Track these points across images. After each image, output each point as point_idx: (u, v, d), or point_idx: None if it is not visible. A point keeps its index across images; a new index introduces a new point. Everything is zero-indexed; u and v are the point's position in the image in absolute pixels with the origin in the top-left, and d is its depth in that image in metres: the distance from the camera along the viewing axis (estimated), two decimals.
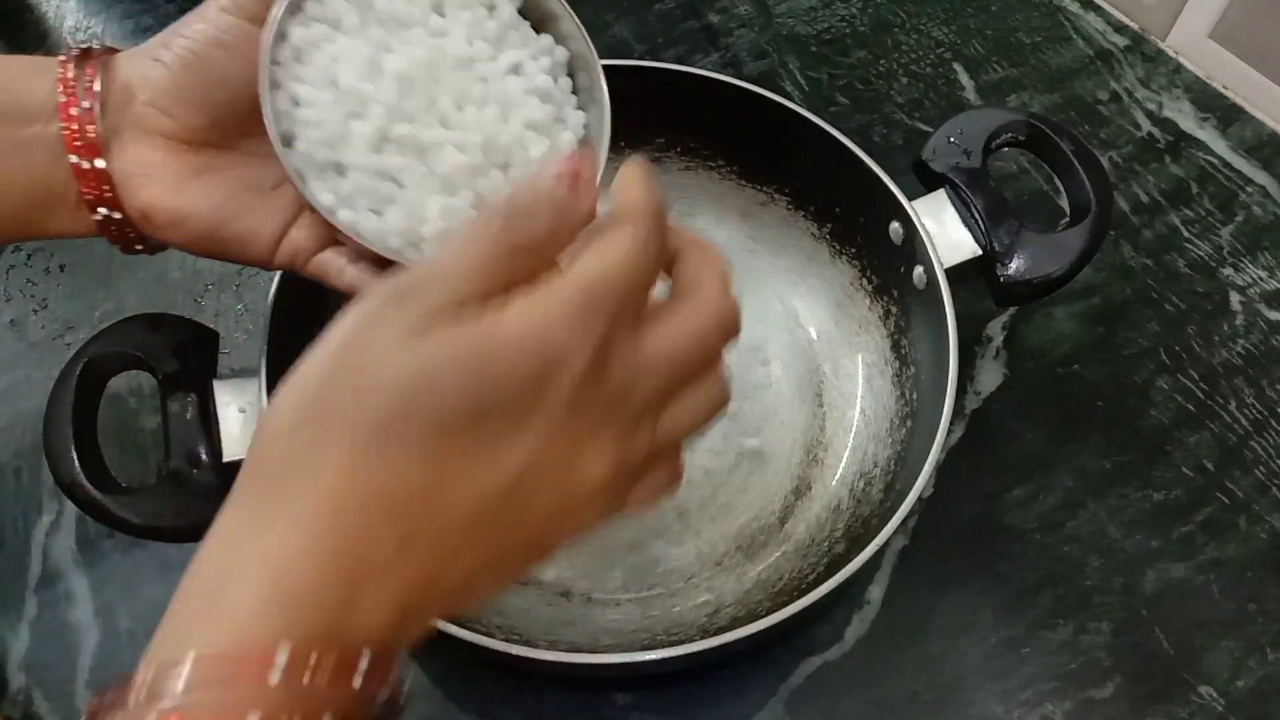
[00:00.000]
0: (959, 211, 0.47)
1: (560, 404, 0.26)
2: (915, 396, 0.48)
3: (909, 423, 0.48)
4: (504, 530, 0.27)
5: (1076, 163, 0.48)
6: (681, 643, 0.39)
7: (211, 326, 0.48)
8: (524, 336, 0.25)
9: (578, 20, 0.36)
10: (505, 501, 0.26)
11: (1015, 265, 0.47)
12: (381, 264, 0.34)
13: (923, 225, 0.47)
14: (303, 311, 0.49)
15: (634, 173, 0.31)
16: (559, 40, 0.37)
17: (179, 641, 0.24)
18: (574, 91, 0.38)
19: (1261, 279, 0.56)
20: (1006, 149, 0.50)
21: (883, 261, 0.51)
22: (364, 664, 0.24)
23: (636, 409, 0.28)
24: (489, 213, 0.27)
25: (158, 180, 0.35)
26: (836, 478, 0.50)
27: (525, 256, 0.27)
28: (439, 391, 0.25)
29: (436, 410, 0.25)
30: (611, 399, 0.27)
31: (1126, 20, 0.65)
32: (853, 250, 0.53)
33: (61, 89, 0.34)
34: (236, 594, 0.24)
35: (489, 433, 0.25)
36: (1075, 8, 0.66)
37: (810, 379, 0.53)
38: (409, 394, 0.25)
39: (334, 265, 0.36)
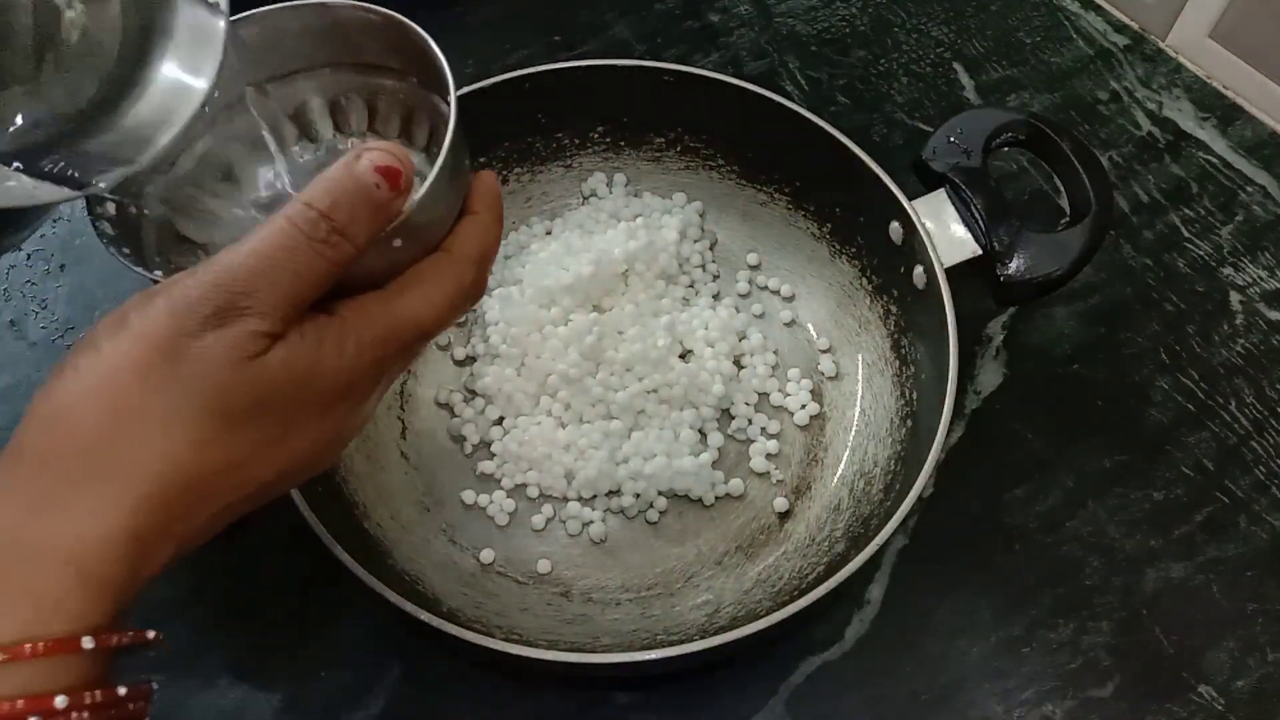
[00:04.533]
0: (959, 211, 0.47)
1: (342, 415, 0.31)
2: (915, 396, 0.48)
3: (909, 423, 0.48)
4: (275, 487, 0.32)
5: (1076, 162, 0.48)
6: (681, 643, 0.39)
7: None
8: (339, 370, 0.30)
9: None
10: (276, 480, 0.31)
11: (1015, 265, 0.46)
12: None
13: (923, 225, 0.47)
14: None
15: (486, 205, 0.34)
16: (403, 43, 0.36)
17: None
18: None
19: (1261, 279, 0.56)
20: (1006, 148, 0.50)
21: (883, 261, 0.51)
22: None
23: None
24: (310, 218, 0.28)
25: None
26: (836, 478, 0.50)
27: (344, 265, 0.29)
28: (264, 408, 0.29)
29: (256, 420, 0.29)
30: (379, 385, 0.33)
31: (1126, 20, 0.65)
32: (853, 250, 0.53)
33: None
34: (40, 576, 0.26)
35: (284, 442, 0.30)
36: (1075, 7, 0.66)
37: (810, 379, 0.53)
38: (240, 407, 0.28)
39: None
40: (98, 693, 0.26)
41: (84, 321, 0.55)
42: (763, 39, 0.65)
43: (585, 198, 0.57)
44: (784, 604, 0.40)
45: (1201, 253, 0.57)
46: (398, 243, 0.31)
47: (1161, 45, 0.64)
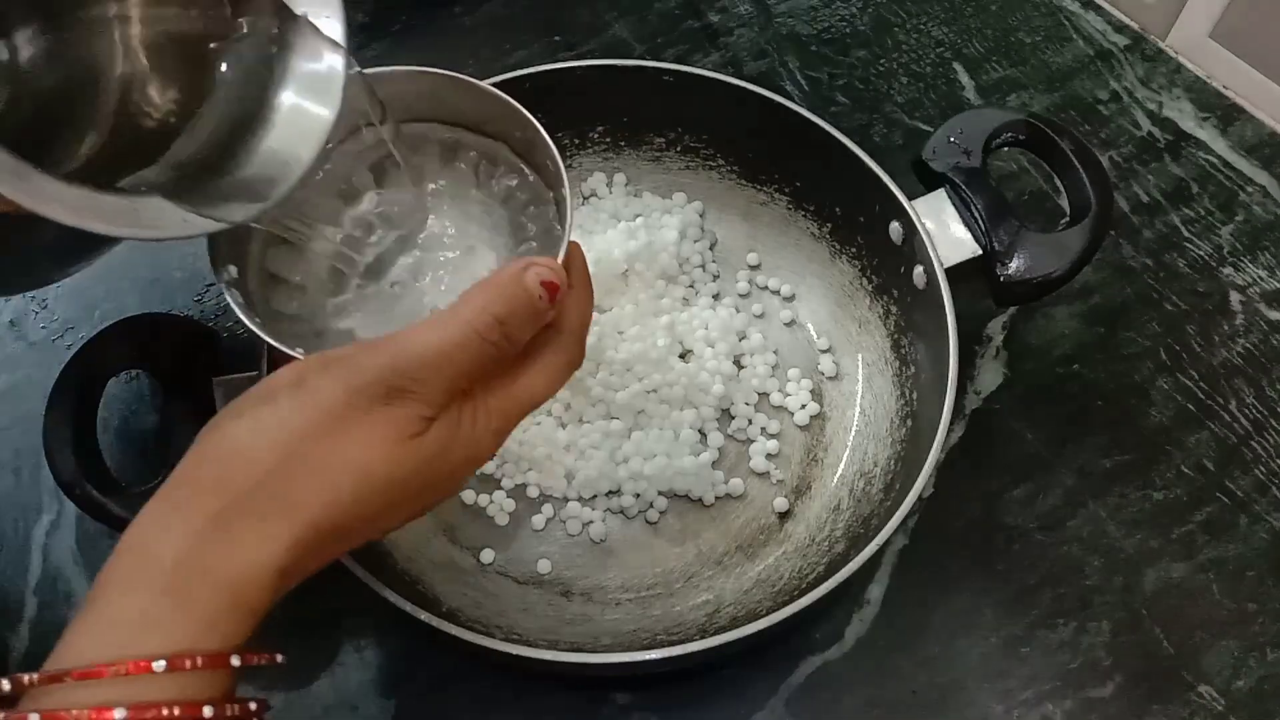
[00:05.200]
0: (959, 211, 0.47)
1: (467, 469, 0.35)
2: (915, 396, 0.48)
3: (909, 422, 0.48)
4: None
5: (1076, 162, 0.48)
6: (681, 642, 0.39)
7: (211, 326, 0.48)
8: (471, 442, 0.33)
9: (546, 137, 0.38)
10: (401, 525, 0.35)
11: (1015, 265, 0.46)
12: None
13: (923, 225, 0.47)
14: None
15: (580, 280, 0.37)
16: (530, 149, 0.39)
17: (147, 637, 0.28)
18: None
19: (1261, 278, 0.56)
20: (1006, 148, 0.50)
21: (883, 261, 0.51)
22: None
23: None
24: (487, 321, 0.32)
25: None
26: (836, 478, 0.50)
27: (501, 361, 0.33)
28: (413, 479, 0.32)
29: (404, 487, 0.32)
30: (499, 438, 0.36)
31: (1126, 20, 0.65)
32: (853, 250, 0.53)
33: None
34: (203, 598, 0.29)
35: (419, 499, 0.34)
36: (1075, 7, 0.66)
37: (810, 379, 0.53)
38: (397, 478, 0.32)
39: None
40: (235, 705, 0.29)
41: (84, 321, 0.55)
42: (763, 39, 0.65)
43: (585, 198, 0.56)
44: (784, 604, 0.40)
45: (1201, 253, 0.57)
46: None
47: (1161, 45, 0.64)
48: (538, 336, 0.35)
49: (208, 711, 0.28)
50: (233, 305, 0.35)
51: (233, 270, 0.36)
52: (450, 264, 0.39)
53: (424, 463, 0.32)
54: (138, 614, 0.28)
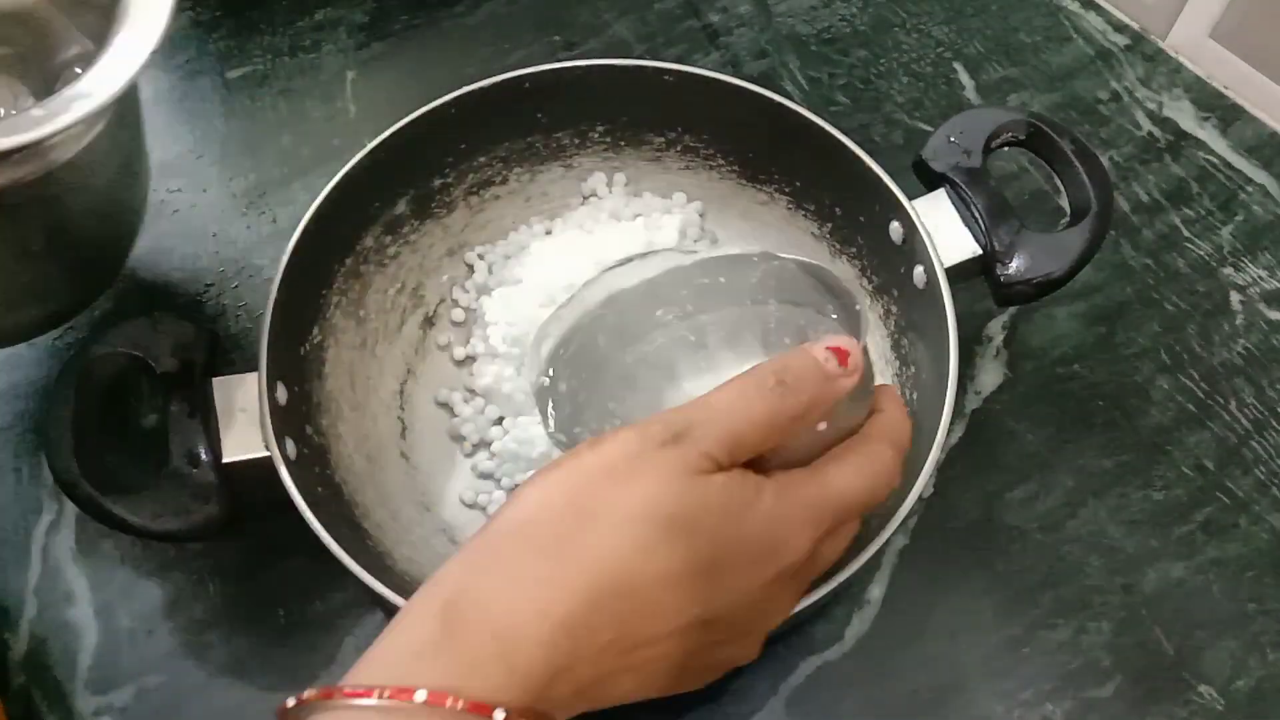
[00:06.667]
0: (959, 211, 0.47)
1: (769, 579, 0.32)
2: (915, 396, 0.48)
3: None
4: (680, 666, 0.32)
5: (1077, 162, 0.48)
6: None
7: (211, 327, 0.48)
8: (771, 519, 0.32)
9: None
10: (691, 641, 0.31)
11: (1015, 265, 0.46)
12: None
13: (923, 225, 0.47)
14: (302, 312, 0.49)
15: (892, 403, 0.37)
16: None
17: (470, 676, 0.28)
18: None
19: (1261, 278, 0.56)
20: (1007, 148, 0.50)
21: (883, 261, 0.51)
22: None
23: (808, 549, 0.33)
24: (763, 372, 0.33)
25: None
26: None
27: (787, 423, 0.32)
28: (700, 527, 0.31)
29: (692, 537, 0.30)
30: (806, 573, 0.35)
31: (1127, 20, 0.65)
32: (853, 250, 0.53)
33: None
34: (470, 634, 0.28)
35: (711, 578, 0.31)
36: (1075, 7, 0.66)
37: None
38: (681, 518, 0.30)
39: None
40: None
41: (84, 321, 0.55)
42: (763, 39, 0.65)
43: (585, 198, 0.56)
44: None
45: (1202, 253, 0.57)
46: (822, 426, 0.34)
47: (1161, 45, 0.64)
48: (847, 441, 0.35)
49: None
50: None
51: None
52: None
53: (711, 509, 0.31)
54: (417, 641, 0.29)
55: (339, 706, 0.27)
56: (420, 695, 0.27)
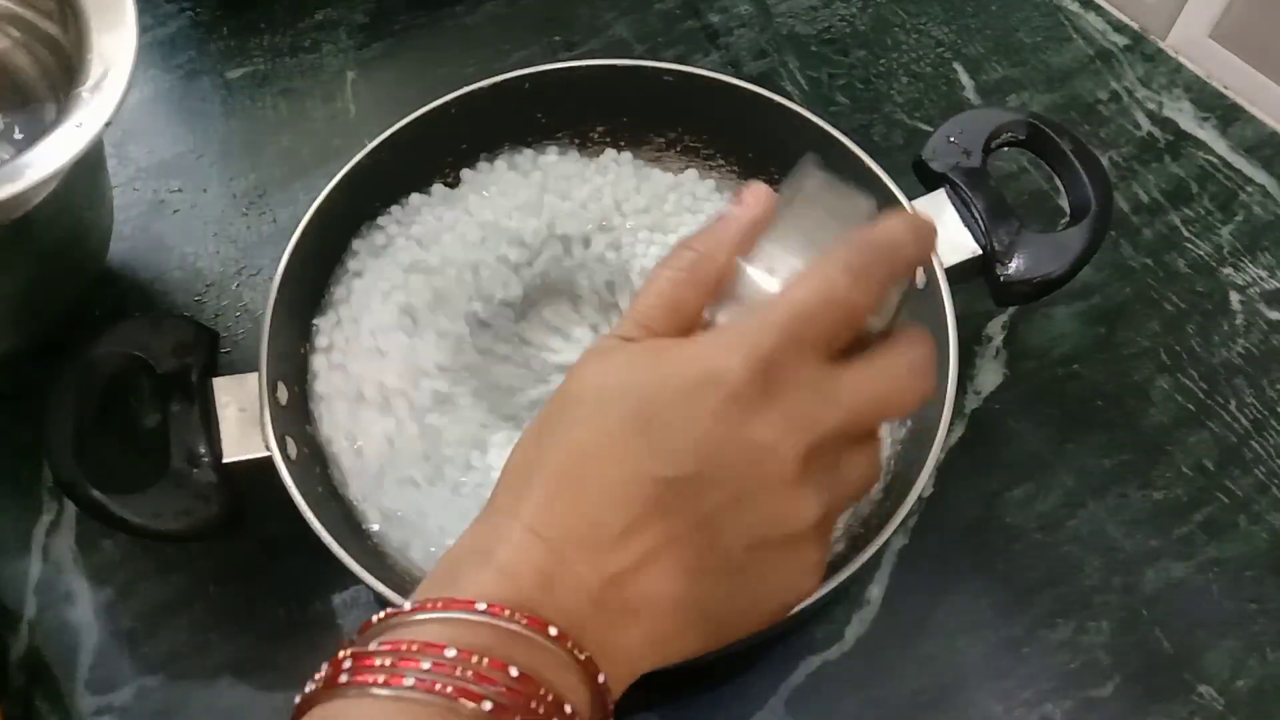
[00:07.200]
0: (959, 211, 0.47)
1: (722, 408, 0.28)
2: None
3: (909, 422, 0.48)
4: (708, 563, 0.29)
5: (1076, 162, 0.48)
6: None
7: (211, 326, 0.48)
8: (689, 352, 0.30)
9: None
10: (686, 517, 0.29)
11: (1015, 265, 0.46)
12: None
13: None
14: (302, 311, 0.49)
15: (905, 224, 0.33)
16: None
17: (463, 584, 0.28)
18: None
19: (1261, 278, 0.56)
20: (1006, 148, 0.50)
21: None
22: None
23: (825, 436, 0.29)
24: (676, 248, 0.32)
25: None
26: None
27: (688, 281, 0.32)
28: (615, 390, 0.29)
29: (617, 403, 0.29)
30: (793, 413, 0.29)
31: (1126, 20, 0.65)
32: None
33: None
34: (502, 549, 0.28)
35: (650, 432, 0.29)
36: (1075, 7, 0.66)
37: None
38: (599, 392, 0.30)
39: None
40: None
41: (83, 321, 0.55)
42: (763, 39, 0.65)
43: None
44: None
45: (1201, 253, 0.57)
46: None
47: (1161, 45, 0.64)
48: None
49: (513, 672, 0.25)
50: None
51: None
52: None
53: (618, 366, 0.30)
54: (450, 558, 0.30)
55: (410, 622, 0.27)
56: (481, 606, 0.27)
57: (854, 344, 0.31)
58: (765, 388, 0.28)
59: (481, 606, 0.26)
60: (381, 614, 0.28)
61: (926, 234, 0.32)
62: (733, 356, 0.28)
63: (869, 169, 0.48)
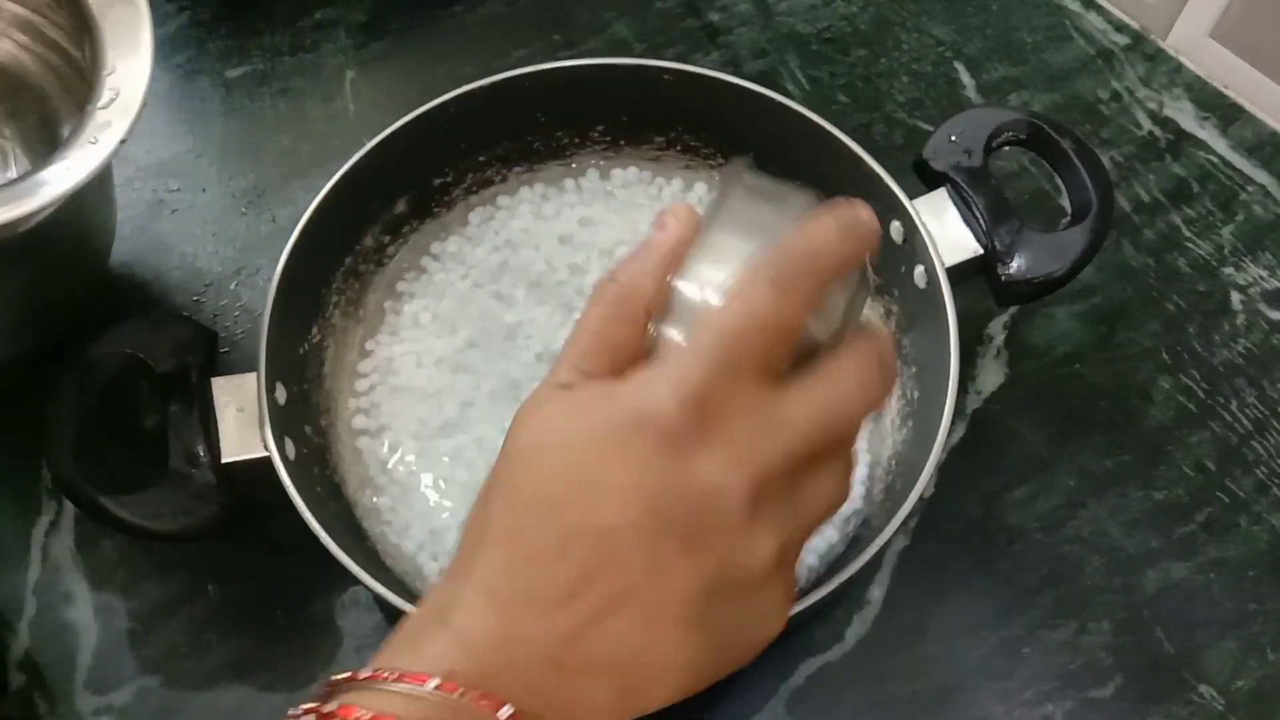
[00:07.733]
0: (960, 211, 0.47)
1: (658, 451, 0.27)
2: (916, 396, 0.48)
3: (909, 423, 0.48)
4: (649, 595, 0.28)
5: (1078, 162, 0.48)
6: None
7: (210, 326, 0.48)
8: (620, 395, 0.28)
9: None
10: (632, 567, 0.27)
11: (1016, 264, 0.46)
12: None
13: (923, 224, 0.47)
14: (302, 311, 0.49)
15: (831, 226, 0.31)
16: None
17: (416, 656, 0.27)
18: None
19: (1262, 278, 0.56)
20: (1007, 148, 0.50)
21: (883, 261, 0.50)
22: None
23: (773, 464, 0.28)
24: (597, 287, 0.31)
25: None
26: None
27: (618, 317, 0.30)
28: (551, 444, 0.29)
29: (554, 457, 0.28)
30: (734, 445, 0.28)
31: (1127, 19, 0.65)
32: None
33: None
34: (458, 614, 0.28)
35: (598, 478, 0.28)
36: (1076, 7, 0.65)
37: None
38: (536, 447, 0.29)
39: None
40: None
41: (83, 321, 0.55)
42: (763, 38, 0.65)
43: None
44: None
45: (1202, 252, 0.57)
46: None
47: (1162, 45, 0.64)
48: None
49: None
50: None
51: None
52: None
53: (557, 410, 0.29)
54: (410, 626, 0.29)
55: (364, 690, 0.27)
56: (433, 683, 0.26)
57: (805, 354, 0.30)
58: (701, 423, 0.27)
59: (433, 684, 0.26)
60: (344, 675, 0.27)
61: (857, 228, 0.31)
62: (662, 395, 0.27)
63: (869, 168, 0.48)
